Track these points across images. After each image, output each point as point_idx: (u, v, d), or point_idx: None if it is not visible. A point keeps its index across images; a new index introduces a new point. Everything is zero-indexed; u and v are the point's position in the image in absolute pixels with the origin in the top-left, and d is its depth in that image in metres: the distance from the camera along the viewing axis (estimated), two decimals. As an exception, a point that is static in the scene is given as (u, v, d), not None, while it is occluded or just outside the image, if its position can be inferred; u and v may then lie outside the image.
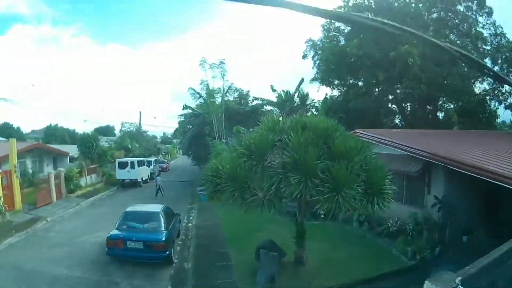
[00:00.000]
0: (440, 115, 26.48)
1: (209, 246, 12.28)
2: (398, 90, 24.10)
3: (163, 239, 10.32)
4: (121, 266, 10.18)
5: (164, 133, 75.22)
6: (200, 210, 18.32)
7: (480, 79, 23.86)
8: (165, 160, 52.61)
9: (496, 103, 24.51)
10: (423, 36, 4.25)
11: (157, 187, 24.19)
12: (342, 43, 26.07)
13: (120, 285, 9.19)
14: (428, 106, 25.54)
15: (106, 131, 59.12)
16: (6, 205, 15.92)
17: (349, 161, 7.04)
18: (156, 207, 12.19)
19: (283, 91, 28.73)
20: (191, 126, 35.45)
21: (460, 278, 3.25)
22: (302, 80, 28.42)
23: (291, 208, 13.86)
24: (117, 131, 58.05)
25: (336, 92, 26.79)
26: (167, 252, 10.26)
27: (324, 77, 25.59)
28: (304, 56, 27.70)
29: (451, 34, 23.61)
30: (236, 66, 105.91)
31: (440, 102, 25.30)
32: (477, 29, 23.34)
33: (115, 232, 10.58)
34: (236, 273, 9.69)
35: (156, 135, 67.96)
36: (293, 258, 9.66)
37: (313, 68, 27.20)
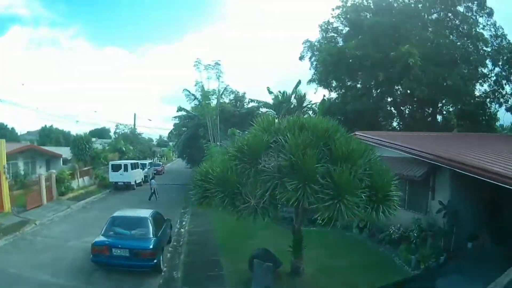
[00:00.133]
0: (439, 118, 26.04)
1: (201, 254, 11.77)
2: (397, 91, 23.73)
3: (151, 247, 9.73)
4: (108, 274, 9.73)
5: (160, 136, 74.93)
6: (193, 215, 17.84)
7: (480, 81, 23.48)
8: (161, 163, 52.13)
9: (497, 106, 24.15)
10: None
11: (152, 191, 23.71)
12: (340, 44, 25.65)
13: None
14: (427, 109, 25.15)
15: (101, 133, 58.59)
16: (-5, 207, 15.56)
17: (352, 164, 6.39)
18: (145, 212, 11.60)
19: (280, 91, 28.31)
20: (185, 129, 34.99)
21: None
22: (299, 82, 28.05)
23: (287, 214, 13.32)
24: (112, 134, 57.40)
25: (333, 94, 26.43)
26: (155, 261, 9.68)
27: (321, 78, 25.18)
28: (301, 58, 27.36)
29: (451, 35, 23.20)
30: (233, 69, 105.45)
31: (440, 105, 24.84)
32: (478, 30, 22.99)
33: (100, 238, 10.07)
34: (228, 284, 9.15)
35: (152, 137, 67.63)
36: (289, 267, 9.03)
37: (310, 69, 26.89)
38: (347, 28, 26.01)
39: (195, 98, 31.39)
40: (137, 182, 30.49)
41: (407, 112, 25.95)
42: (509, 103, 23.36)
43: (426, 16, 23.92)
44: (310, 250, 9.69)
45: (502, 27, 22.92)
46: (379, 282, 8.56)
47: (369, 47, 22.03)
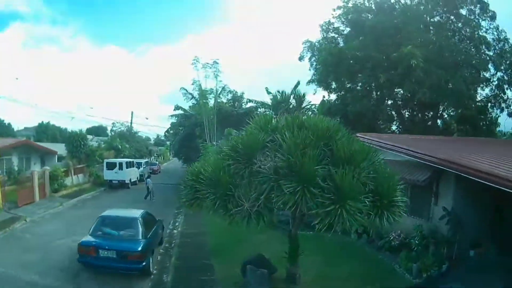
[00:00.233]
0: (439, 122, 25.67)
1: (193, 257, 11.36)
2: (398, 94, 23.36)
3: (139, 249, 9.32)
4: (95, 276, 9.39)
5: (157, 135, 74.29)
6: (187, 215, 17.37)
7: (482, 85, 23.13)
8: (157, 162, 51.53)
9: (498, 110, 23.78)
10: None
11: (148, 190, 23.36)
12: (341, 45, 25.26)
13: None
14: (427, 113, 24.79)
15: (98, 131, 58.02)
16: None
17: (354, 167, 5.90)
18: (135, 213, 11.19)
19: (278, 91, 27.95)
20: (182, 128, 34.61)
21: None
22: (298, 83, 27.78)
23: (283, 217, 12.85)
24: (109, 131, 56.81)
25: (333, 96, 26.02)
26: (144, 263, 9.28)
27: (321, 79, 24.79)
28: (301, 58, 26.88)
29: (453, 38, 22.85)
30: (231, 69, 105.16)
31: (440, 108, 24.47)
32: (480, 33, 22.63)
33: (87, 238, 9.70)
34: (220, 290, 8.70)
35: (149, 136, 67.07)
36: (285, 274, 8.54)
37: (310, 69, 26.46)
38: (348, 29, 25.61)
39: (193, 97, 31.10)
40: (132, 181, 30.18)
41: (407, 115, 25.59)
42: (511, 108, 23.03)
43: (428, 18, 23.58)
44: (307, 256, 9.23)
45: (505, 31, 22.62)
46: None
47: (371, 48, 21.67)
